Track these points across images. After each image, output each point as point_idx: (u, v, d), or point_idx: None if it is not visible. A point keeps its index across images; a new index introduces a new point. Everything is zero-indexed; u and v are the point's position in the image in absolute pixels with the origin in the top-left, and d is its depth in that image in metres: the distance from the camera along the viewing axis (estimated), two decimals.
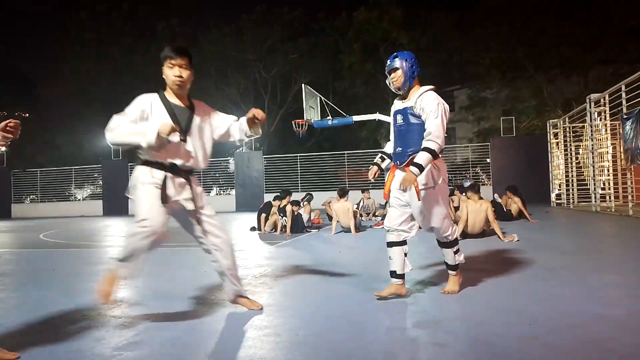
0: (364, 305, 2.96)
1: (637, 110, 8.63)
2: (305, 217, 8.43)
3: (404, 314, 2.75)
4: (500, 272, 3.89)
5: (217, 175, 22.53)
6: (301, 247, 6.45)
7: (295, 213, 8.01)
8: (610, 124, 10.90)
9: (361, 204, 11.00)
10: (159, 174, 2.61)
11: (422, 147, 2.88)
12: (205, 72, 27.00)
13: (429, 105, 2.91)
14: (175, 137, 2.60)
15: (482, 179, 19.55)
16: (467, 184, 7.34)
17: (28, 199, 23.66)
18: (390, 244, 3.10)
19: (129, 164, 20.98)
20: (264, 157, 19.87)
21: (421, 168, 2.81)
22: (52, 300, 3.41)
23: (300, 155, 20.59)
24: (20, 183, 23.28)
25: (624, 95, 9.65)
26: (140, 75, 26.08)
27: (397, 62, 3.03)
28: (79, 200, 23.64)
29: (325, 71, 27.67)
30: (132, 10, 28.14)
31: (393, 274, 3.08)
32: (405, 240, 3.11)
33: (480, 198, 6.62)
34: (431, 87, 3.02)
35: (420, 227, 3.19)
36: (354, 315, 2.75)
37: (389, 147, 3.31)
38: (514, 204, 9.00)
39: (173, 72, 2.65)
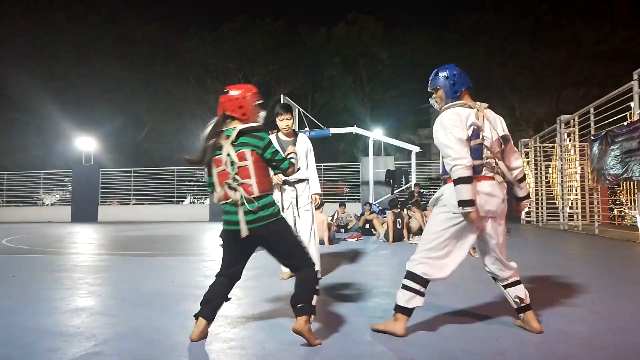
0: (333, 318, 2.93)
1: (603, 132, 8.93)
2: None
3: (368, 327, 2.72)
4: (467, 288, 3.92)
5: (192, 184, 22.28)
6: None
7: None
8: (579, 145, 11.24)
9: (336, 216, 11.00)
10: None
11: None
12: (184, 79, 26.79)
13: None
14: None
15: None
16: None
17: None
18: None
19: (100, 169, 20.52)
20: None
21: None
22: (9, 308, 3.26)
23: None
24: None
25: (592, 117, 9.98)
26: (116, 80, 25.62)
27: (438, 80, 2.69)
28: (47, 205, 22.88)
29: (305, 83, 27.80)
30: (111, 14, 27.77)
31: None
32: None
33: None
34: (449, 105, 2.60)
35: None
36: (320, 330, 2.71)
37: None
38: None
39: (282, 123, 4.33)
